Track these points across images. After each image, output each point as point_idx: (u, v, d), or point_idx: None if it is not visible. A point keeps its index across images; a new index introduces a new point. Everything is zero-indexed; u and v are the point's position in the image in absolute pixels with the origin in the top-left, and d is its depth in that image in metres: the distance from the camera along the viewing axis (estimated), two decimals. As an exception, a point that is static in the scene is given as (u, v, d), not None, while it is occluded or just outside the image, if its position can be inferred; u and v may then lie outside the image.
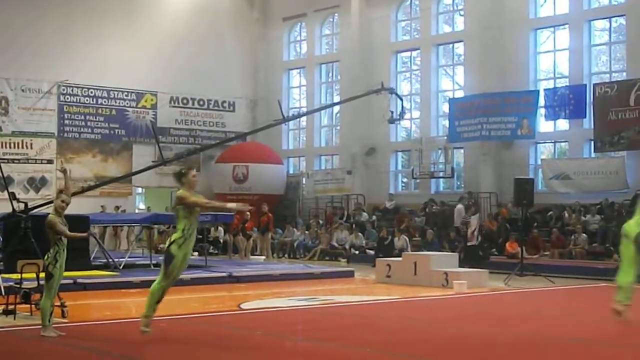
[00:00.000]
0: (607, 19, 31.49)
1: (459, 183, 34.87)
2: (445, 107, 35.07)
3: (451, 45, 36.33)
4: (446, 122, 34.52)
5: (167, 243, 11.44)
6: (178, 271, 11.43)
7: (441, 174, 33.79)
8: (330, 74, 41.45)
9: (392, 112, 26.99)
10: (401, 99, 30.14)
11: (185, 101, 40.10)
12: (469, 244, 26.35)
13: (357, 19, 37.96)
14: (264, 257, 30.44)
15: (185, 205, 11.24)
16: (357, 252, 30.96)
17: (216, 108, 40.99)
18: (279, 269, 24.50)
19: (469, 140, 33.02)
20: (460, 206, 29.23)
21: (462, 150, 34.53)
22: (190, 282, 20.74)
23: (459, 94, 35.13)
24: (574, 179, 29.61)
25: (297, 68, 42.83)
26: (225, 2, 41.83)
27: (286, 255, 33.29)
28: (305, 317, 15.00)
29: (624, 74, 30.08)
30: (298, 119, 39.91)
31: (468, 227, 27.08)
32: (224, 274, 22.12)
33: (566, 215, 28.86)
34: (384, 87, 28.08)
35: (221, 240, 34.01)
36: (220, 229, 34.08)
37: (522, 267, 23.46)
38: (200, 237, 32.90)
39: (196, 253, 31.85)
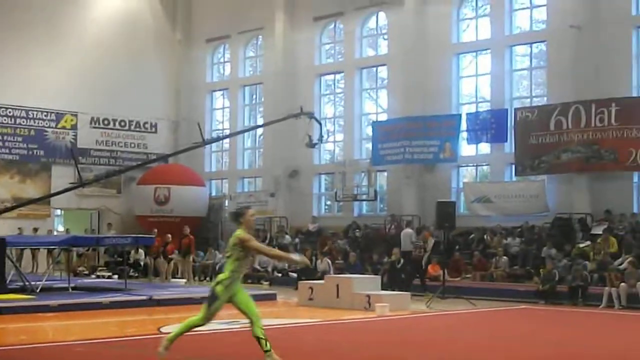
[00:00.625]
0: (528, 45, 31.94)
1: (382, 206, 34.93)
2: (369, 130, 35.14)
3: (375, 69, 36.48)
4: (369, 145, 34.59)
5: (213, 283, 10.98)
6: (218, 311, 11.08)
7: (364, 197, 33.82)
8: (254, 96, 41.32)
9: (310, 137, 26.98)
10: (320, 124, 30.18)
11: (106, 122, 39.53)
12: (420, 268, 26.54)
13: (281, 42, 37.95)
14: (185, 280, 30.02)
15: (245, 248, 10.85)
16: (279, 274, 30.78)
17: (138, 129, 40.52)
18: (200, 292, 24.02)
19: (392, 163, 33.15)
20: (409, 230, 29.18)
21: (385, 174, 34.61)
22: (110, 306, 20.43)
23: (383, 117, 35.27)
24: (495, 202, 29.89)
25: (220, 90, 42.64)
26: (147, 22, 41.49)
27: (208, 279, 32.92)
28: (226, 340, 14.79)
29: (545, 98, 30.53)
30: (221, 141, 39.64)
31: (424, 252, 27.24)
32: (144, 297, 21.73)
33: (487, 238, 29.07)
34: (304, 111, 28.09)
35: (142, 263, 33.51)
36: (141, 251, 33.58)
37: (444, 289, 23.53)
38: (120, 259, 32.53)
39: (116, 276, 31.50)
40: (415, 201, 32.34)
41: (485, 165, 32.59)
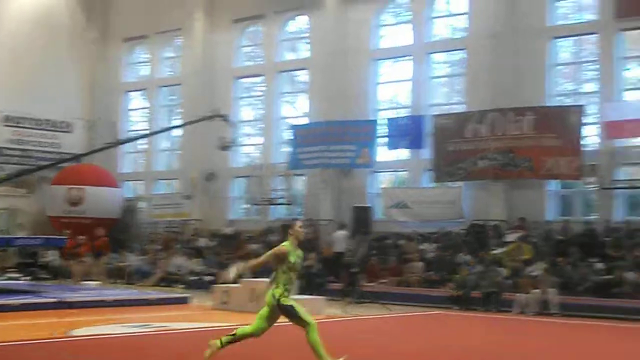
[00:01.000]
0: (448, 52, 32.19)
1: (299, 210, 34.82)
2: (287, 134, 35.00)
3: (294, 73, 36.41)
4: (287, 149, 34.47)
5: (273, 301, 11.00)
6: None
7: (281, 201, 33.73)
8: (172, 97, 40.89)
9: (223, 139, 26.78)
10: (233, 126, 29.98)
11: (19, 120, 38.63)
12: (352, 270, 26.36)
13: (200, 43, 37.66)
14: (97, 282, 29.50)
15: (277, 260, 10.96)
16: (194, 278, 30.41)
17: (52, 128, 39.64)
18: (112, 294, 23.77)
19: (309, 167, 33.09)
20: (344, 232, 29.08)
21: (302, 178, 34.52)
22: (19, 308, 19.93)
23: (301, 121, 35.17)
24: (413, 207, 29.98)
25: (137, 90, 42.11)
26: (63, 19, 40.73)
27: (121, 281, 32.45)
28: (138, 344, 14.52)
29: (463, 106, 30.76)
30: (137, 142, 39.14)
31: (355, 255, 27.14)
32: (54, 300, 21.27)
33: (404, 243, 29.13)
34: (218, 113, 27.88)
35: (54, 265, 32.84)
36: (53, 252, 32.91)
37: (360, 294, 23.49)
38: (32, 261, 31.84)
39: (27, 277, 30.80)
40: (332, 205, 32.29)
41: (403, 171, 32.71)
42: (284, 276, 10.99)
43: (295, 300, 11.10)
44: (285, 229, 11.28)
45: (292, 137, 33.91)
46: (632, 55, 28.37)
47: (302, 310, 10.92)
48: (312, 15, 34.76)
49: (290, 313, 10.92)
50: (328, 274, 27.56)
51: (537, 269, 23.80)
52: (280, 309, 10.95)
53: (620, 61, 28.02)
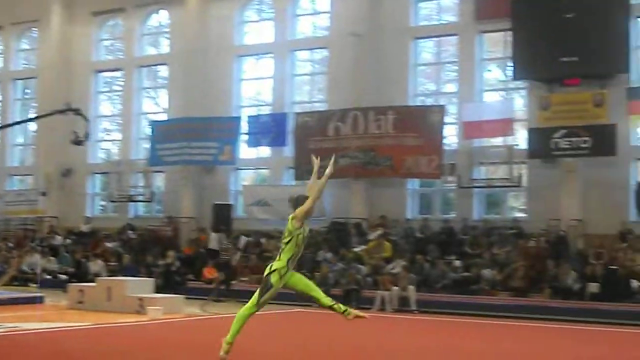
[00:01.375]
0: (310, 50, 32.20)
1: (158, 207, 34.26)
2: (148, 130, 34.37)
3: (156, 68, 35.81)
4: (148, 145, 33.83)
5: (267, 270, 10.68)
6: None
7: (140, 198, 33.17)
8: (27, 91, 39.59)
9: (76, 133, 26.10)
10: (87, 120, 29.26)
11: None
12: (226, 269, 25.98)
13: (57, 36, 36.66)
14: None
15: (308, 215, 10.71)
16: (49, 277, 29.52)
17: None
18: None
19: (170, 164, 32.61)
20: (221, 234, 28.72)
21: (162, 174, 33.95)
22: None
23: (162, 117, 34.59)
24: (273, 205, 29.78)
25: (-10, 82, 40.65)
26: None
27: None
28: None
29: (325, 104, 30.80)
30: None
31: (232, 255, 26.76)
32: None
33: (264, 241, 28.94)
34: (70, 107, 27.18)
35: None
36: None
37: (220, 292, 23.22)
38: None
39: None
40: (193, 203, 31.91)
41: (265, 168, 32.54)
42: (293, 250, 10.77)
43: (279, 286, 10.89)
44: (296, 202, 10.84)
45: (151, 133, 33.33)
46: (492, 57, 28.98)
47: (270, 296, 10.80)
48: (173, 9, 34.27)
49: (264, 288, 10.74)
50: (187, 272, 27.20)
51: (396, 267, 24.02)
52: (264, 279, 10.78)
53: (480, 63, 28.57)
